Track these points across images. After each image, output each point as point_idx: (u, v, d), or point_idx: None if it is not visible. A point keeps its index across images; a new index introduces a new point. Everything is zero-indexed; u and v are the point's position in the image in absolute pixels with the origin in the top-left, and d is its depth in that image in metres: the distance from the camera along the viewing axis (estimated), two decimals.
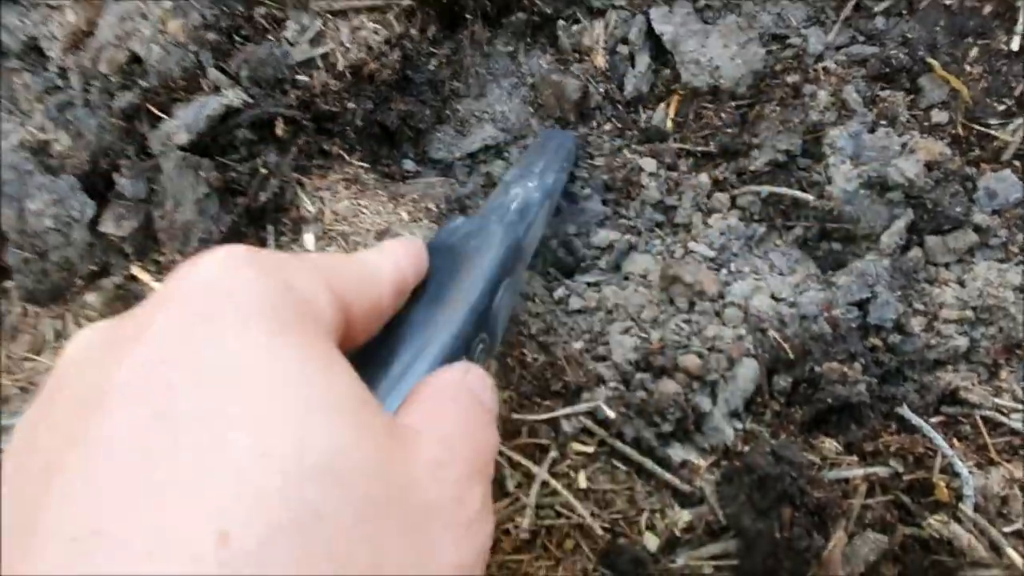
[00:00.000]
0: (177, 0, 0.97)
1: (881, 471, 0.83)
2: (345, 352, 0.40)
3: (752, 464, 0.83)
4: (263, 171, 0.95)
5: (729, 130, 1.11)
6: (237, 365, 0.30)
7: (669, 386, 0.94)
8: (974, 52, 1.07)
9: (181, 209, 0.93)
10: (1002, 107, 1.05)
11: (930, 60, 1.07)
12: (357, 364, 0.40)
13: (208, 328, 0.32)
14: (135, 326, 0.33)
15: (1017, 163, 1.04)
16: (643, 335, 1.01)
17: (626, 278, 1.12)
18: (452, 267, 0.61)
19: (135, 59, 0.98)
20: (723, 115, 1.12)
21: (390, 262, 0.51)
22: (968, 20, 1.08)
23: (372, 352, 0.50)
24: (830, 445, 0.85)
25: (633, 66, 1.20)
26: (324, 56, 1.05)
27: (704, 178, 1.13)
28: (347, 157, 1.08)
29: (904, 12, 1.13)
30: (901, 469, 0.82)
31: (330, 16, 1.06)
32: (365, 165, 1.10)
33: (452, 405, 0.44)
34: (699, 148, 1.15)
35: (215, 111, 0.94)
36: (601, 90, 1.20)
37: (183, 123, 0.94)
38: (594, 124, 1.23)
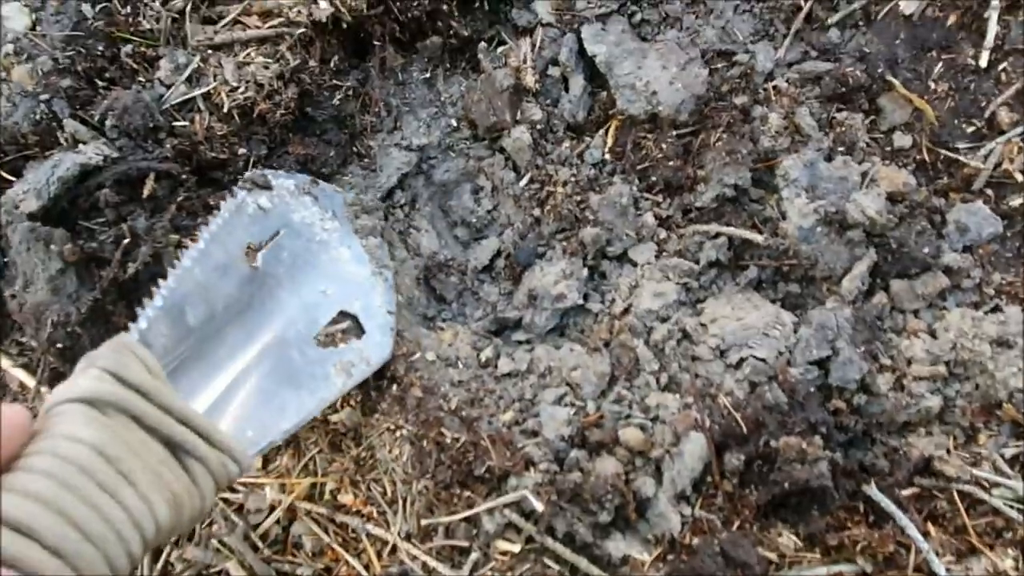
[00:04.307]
0: (20, 42, 0.83)
1: (847, 570, 0.72)
2: None
3: (700, 569, 0.72)
4: (128, 238, 0.81)
5: (671, 163, 0.99)
6: None
7: (608, 465, 0.83)
8: (938, 68, 0.96)
9: (32, 288, 0.80)
10: (971, 129, 0.94)
11: (890, 78, 0.96)
12: None
13: None
14: None
15: (990, 192, 0.93)
16: (579, 403, 0.89)
17: (562, 334, 1.00)
18: None
19: None
20: (664, 145, 1.00)
21: None
22: (931, 32, 0.96)
23: None
24: (788, 539, 0.74)
25: (567, 90, 1.08)
26: (206, 96, 0.92)
27: (649, 217, 1.01)
28: None
29: (860, 23, 1.01)
30: (870, 568, 0.72)
31: (210, 51, 0.92)
32: None
33: None
34: (641, 182, 1.03)
35: (69, 172, 0.81)
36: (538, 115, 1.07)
37: (32, 188, 0.81)
38: (544, 151, 1.09)
